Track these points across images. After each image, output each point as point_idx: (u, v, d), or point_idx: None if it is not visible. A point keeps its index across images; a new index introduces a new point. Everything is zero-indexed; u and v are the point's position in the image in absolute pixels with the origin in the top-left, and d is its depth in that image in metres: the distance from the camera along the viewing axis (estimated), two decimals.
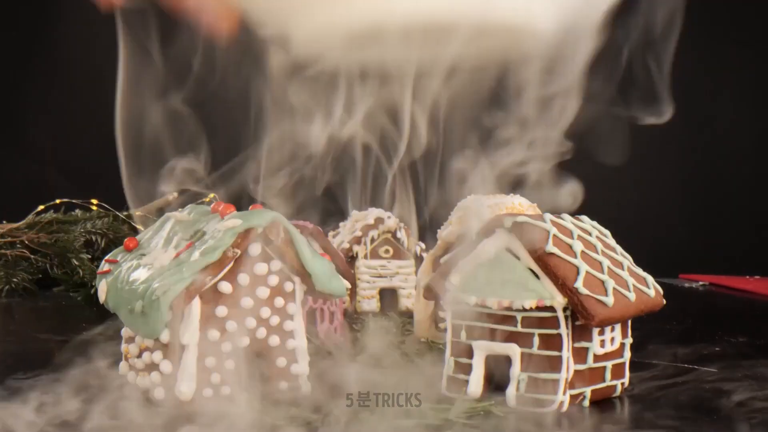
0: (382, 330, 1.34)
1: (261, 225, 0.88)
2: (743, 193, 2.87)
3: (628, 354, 0.95)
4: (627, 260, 0.96)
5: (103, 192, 2.33)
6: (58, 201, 2.10)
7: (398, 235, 1.56)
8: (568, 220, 0.95)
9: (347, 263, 1.51)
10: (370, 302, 1.53)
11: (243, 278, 0.88)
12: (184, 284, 0.84)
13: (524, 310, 0.88)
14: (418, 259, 1.57)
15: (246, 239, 0.88)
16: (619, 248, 0.98)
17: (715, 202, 2.89)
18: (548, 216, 0.93)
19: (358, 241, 1.54)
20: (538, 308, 0.87)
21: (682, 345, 1.30)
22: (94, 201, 2.04)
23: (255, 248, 0.89)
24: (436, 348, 1.20)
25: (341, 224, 1.64)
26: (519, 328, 0.89)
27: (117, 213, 2.06)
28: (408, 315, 1.52)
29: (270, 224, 0.89)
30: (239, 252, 0.87)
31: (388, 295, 1.57)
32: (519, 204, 1.29)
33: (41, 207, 2.02)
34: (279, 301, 0.91)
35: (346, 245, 1.54)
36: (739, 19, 2.85)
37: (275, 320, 0.90)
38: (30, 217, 2.04)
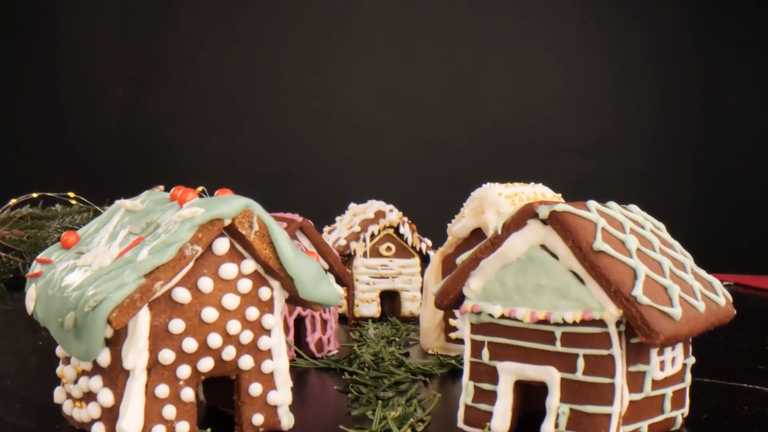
0: (383, 340, 1.13)
1: (229, 215, 0.67)
2: (761, 191, 2.70)
3: (689, 377, 0.74)
4: (689, 260, 0.75)
5: (93, 186, 2.14)
6: (35, 195, 1.89)
7: (401, 230, 1.34)
8: (616, 210, 0.73)
9: (343, 262, 1.29)
10: (369, 306, 1.31)
11: (205, 283, 0.67)
12: (126, 291, 0.62)
13: (565, 323, 0.66)
14: (424, 258, 1.35)
15: (209, 233, 0.66)
16: (677, 245, 0.76)
17: (733, 200, 2.72)
18: (593, 204, 0.71)
19: (356, 237, 1.32)
20: (584, 322, 0.66)
21: (733, 359, 1.09)
22: (71, 194, 1.83)
23: (221, 245, 0.68)
24: (447, 363, 0.98)
25: (337, 218, 1.42)
26: (558, 347, 0.67)
27: (97, 208, 1.85)
28: (412, 321, 1.31)
29: (241, 214, 0.67)
30: (200, 249, 0.65)
31: (390, 299, 1.35)
32: (542, 193, 1.09)
33: (14, 201, 1.80)
34: (252, 312, 0.69)
35: (343, 242, 1.32)
36: (750, 19, 2.70)
37: (247, 336, 0.69)
38: (4, 212, 1.82)
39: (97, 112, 2.84)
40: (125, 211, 0.75)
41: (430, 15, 2.77)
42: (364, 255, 1.32)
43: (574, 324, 0.66)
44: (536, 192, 1.09)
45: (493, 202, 1.03)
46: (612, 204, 0.74)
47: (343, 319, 1.34)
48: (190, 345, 0.66)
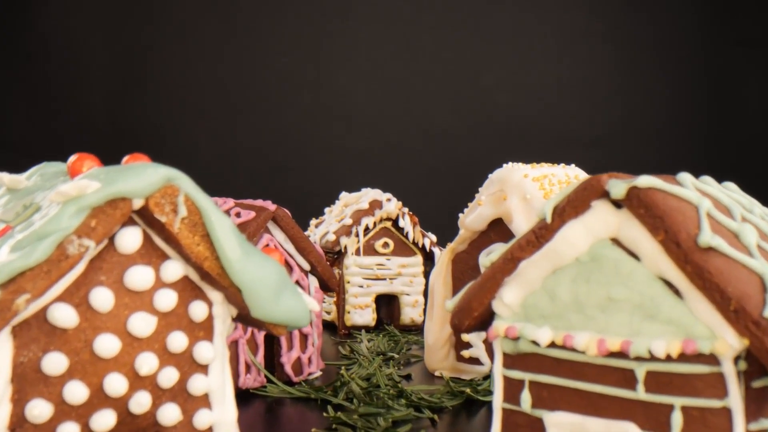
0: (379, 357, 0.88)
1: (139, 192, 0.42)
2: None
3: None
4: None
5: None
6: None
7: (401, 223, 1.10)
8: (715, 187, 0.49)
9: (333, 261, 1.05)
10: (362, 314, 1.06)
11: (101, 297, 0.42)
12: None
13: (653, 358, 0.42)
14: (428, 256, 1.11)
15: (109, 220, 0.41)
16: None
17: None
18: (688, 178, 0.46)
19: (347, 231, 1.08)
20: (684, 357, 0.41)
21: None
22: None
23: (129, 238, 0.43)
24: (459, 392, 0.73)
25: (326, 209, 1.18)
26: (641, 394, 0.43)
27: None
28: (414, 330, 1.06)
29: (159, 191, 0.43)
30: (93, 245, 0.41)
31: (388, 304, 1.11)
32: (575, 176, 0.85)
33: None
34: (177, 340, 0.44)
35: (332, 237, 1.07)
36: (762, 10, 2.53)
37: (170, 376, 0.44)
38: None
39: (83, 104, 2.63)
40: (5, 190, 0.50)
41: (429, 1, 2.56)
42: (357, 252, 1.08)
43: (668, 360, 0.42)
44: (569, 174, 0.85)
45: (518, 185, 0.79)
46: (707, 179, 0.50)
47: (331, 327, 1.10)
48: (76, 392, 0.41)
